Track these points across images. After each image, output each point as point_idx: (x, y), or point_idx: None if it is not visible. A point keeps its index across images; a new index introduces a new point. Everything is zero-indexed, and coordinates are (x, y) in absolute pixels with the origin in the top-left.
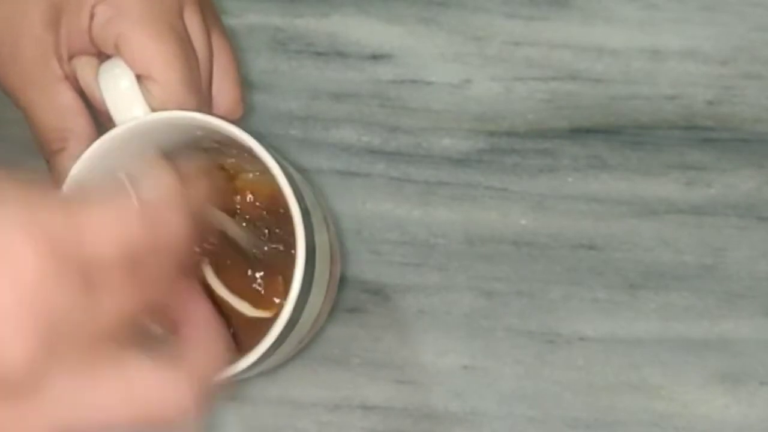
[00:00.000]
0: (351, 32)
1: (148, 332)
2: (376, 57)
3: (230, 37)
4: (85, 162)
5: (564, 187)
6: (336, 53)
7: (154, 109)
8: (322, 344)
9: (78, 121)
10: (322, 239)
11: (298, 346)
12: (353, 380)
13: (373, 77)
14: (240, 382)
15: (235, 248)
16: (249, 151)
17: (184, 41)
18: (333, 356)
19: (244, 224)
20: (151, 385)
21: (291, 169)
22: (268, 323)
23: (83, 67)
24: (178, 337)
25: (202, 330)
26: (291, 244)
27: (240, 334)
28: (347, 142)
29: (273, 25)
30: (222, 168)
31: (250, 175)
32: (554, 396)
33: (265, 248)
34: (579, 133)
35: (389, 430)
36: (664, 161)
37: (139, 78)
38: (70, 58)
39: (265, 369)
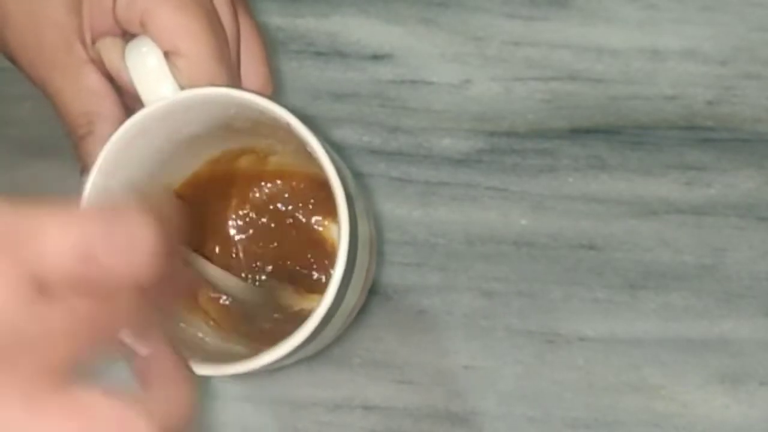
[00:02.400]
0: (351, 32)
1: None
2: (376, 57)
3: None
4: (114, 144)
5: (564, 188)
6: (336, 53)
7: (183, 87)
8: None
9: (105, 103)
10: (363, 228)
11: (337, 334)
12: (353, 380)
13: (373, 77)
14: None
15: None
16: (286, 128)
17: (211, 15)
18: (333, 356)
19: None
20: (109, 421)
21: (329, 146)
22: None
23: (108, 48)
24: (139, 373)
25: (167, 365)
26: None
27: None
28: (347, 142)
29: (273, 25)
30: (253, 151)
31: (283, 157)
32: (554, 396)
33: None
34: (579, 133)
35: (389, 430)
36: (664, 161)
37: (166, 55)
38: (94, 41)
39: (301, 358)
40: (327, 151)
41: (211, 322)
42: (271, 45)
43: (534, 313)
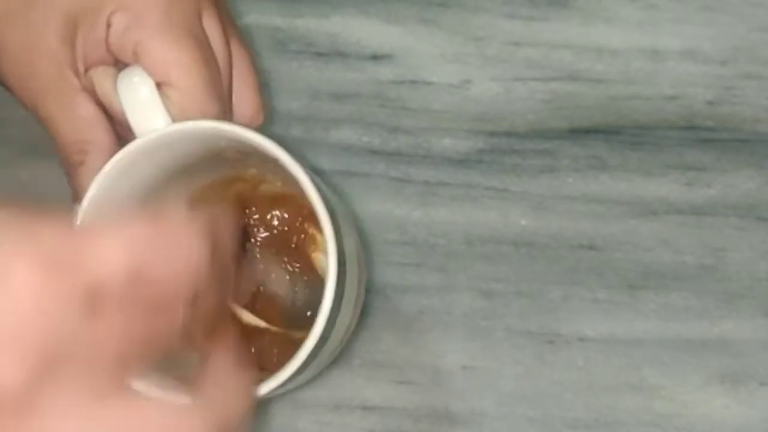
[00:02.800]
0: (351, 33)
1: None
2: (376, 57)
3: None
4: (106, 175)
5: (564, 188)
6: (336, 54)
7: (174, 118)
8: None
9: (97, 132)
10: (350, 247)
11: (331, 357)
12: (353, 380)
13: (373, 77)
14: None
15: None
16: (274, 161)
17: (203, 46)
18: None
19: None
20: (163, 423)
21: (316, 178)
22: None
23: (101, 77)
24: (200, 372)
25: (223, 366)
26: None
27: (273, 348)
28: (347, 143)
29: (273, 25)
30: (243, 179)
31: (272, 186)
32: (554, 396)
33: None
34: (579, 133)
35: (389, 431)
36: (664, 161)
37: (158, 85)
38: (87, 69)
39: (298, 384)
40: (315, 184)
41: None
42: (271, 45)
43: (534, 314)
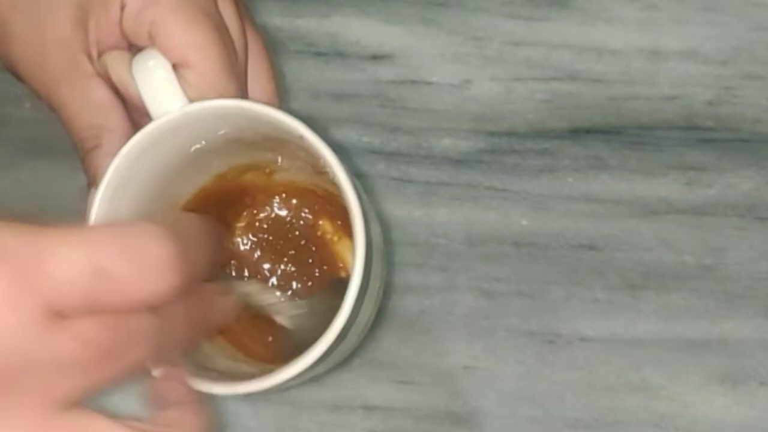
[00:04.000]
0: (351, 32)
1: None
2: (376, 57)
3: None
4: (124, 157)
5: (564, 188)
6: (336, 53)
7: (192, 100)
8: None
9: (112, 117)
10: (377, 241)
11: (349, 352)
12: (354, 380)
13: (373, 77)
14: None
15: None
16: (298, 140)
17: (220, 27)
18: None
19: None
20: None
21: (343, 162)
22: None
23: (115, 61)
24: (152, 395)
25: (187, 414)
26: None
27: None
28: (347, 143)
29: (273, 25)
30: (258, 167)
31: (288, 173)
32: (555, 396)
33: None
34: (579, 133)
35: (390, 431)
36: (664, 161)
37: (175, 67)
38: (101, 54)
39: (318, 374)
40: (342, 164)
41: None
42: (271, 45)
43: (534, 314)
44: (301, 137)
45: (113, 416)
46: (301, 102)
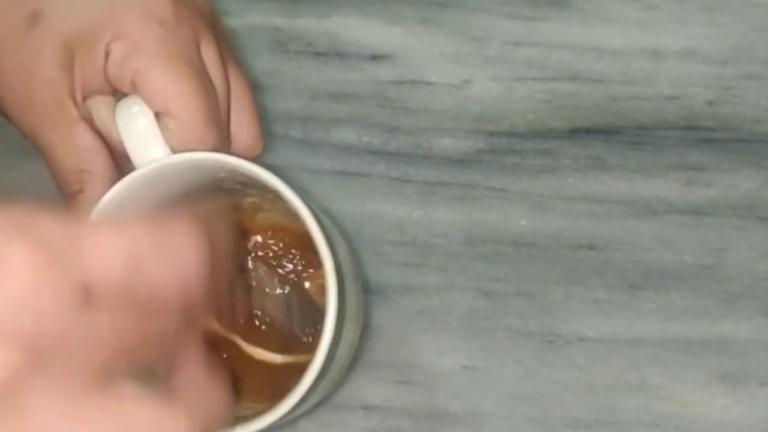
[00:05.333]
0: (351, 33)
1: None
2: (376, 57)
3: (230, 38)
4: (105, 204)
5: (564, 188)
6: (336, 54)
7: (173, 148)
8: None
9: (96, 161)
10: (347, 268)
11: (339, 376)
12: (353, 380)
13: (373, 77)
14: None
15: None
16: (272, 191)
17: (202, 76)
18: None
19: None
20: (149, 423)
21: (314, 207)
22: (296, 367)
23: (99, 106)
24: (171, 381)
25: (200, 375)
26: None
27: (267, 380)
28: (347, 143)
29: (273, 25)
30: (241, 208)
31: (271, 214)
32: (554, 396)
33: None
34: (579, 133)
35: (389, 431)
36: (663, 161)
37: (157, 116)
38: (85, 98)
39: (308, 407)
40: (314, 214)
41: None
42: (271, 45)
43: (534, 314)
44: (278, 192)
45: (143, 391)
46: (301, 102)
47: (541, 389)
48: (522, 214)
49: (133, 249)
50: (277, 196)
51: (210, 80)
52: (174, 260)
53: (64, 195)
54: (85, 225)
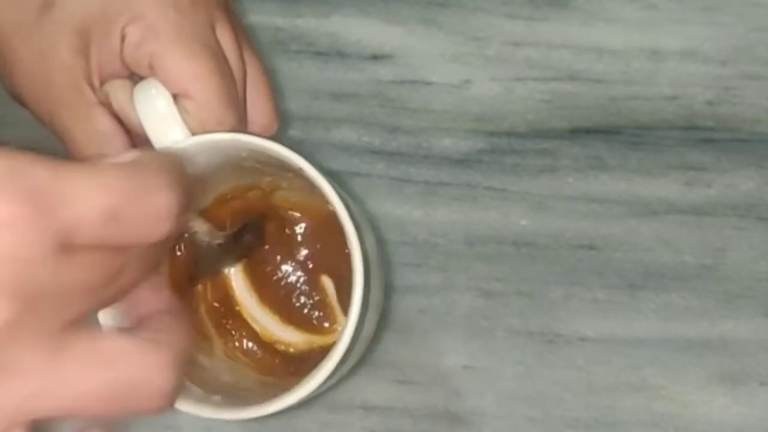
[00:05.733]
0: (351, 32)
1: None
2: (376, 57)
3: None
4: None
5: (564, 188)
6: (336, 53)
7: (192, 129)
8: None
9: (115, 146)
10: (372, 251)
11: (353, 365)
12: (353, 380)
13: (373, 77)
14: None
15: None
16: (292, 169)
17: (218, 57)
18: None
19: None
20: (135, 367)
21: (340, 189)
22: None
23: (116, 90)
24: (143, 324)
25: (173, 317)
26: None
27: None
28: (347, 143)
29: (273, 25)
30: (257, 187)
31: (289, 192)
32: (554, 396)
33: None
34: (579, 133)
35: (389, 430)
36: (663, 161)
37: (175, 98)
38: (102, 83)
39: (319, 392)
40: (337, 192)
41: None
42: (271, 45)
43: (534, 314)
44: (301, 169)
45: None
46: (300, 102)
47: (541, 389)
48: (522, 214)
49: (113, 203)
50: (294, 172)
51: (226, 61)
52: (148, 215)
53: None
54: (72, 175)
